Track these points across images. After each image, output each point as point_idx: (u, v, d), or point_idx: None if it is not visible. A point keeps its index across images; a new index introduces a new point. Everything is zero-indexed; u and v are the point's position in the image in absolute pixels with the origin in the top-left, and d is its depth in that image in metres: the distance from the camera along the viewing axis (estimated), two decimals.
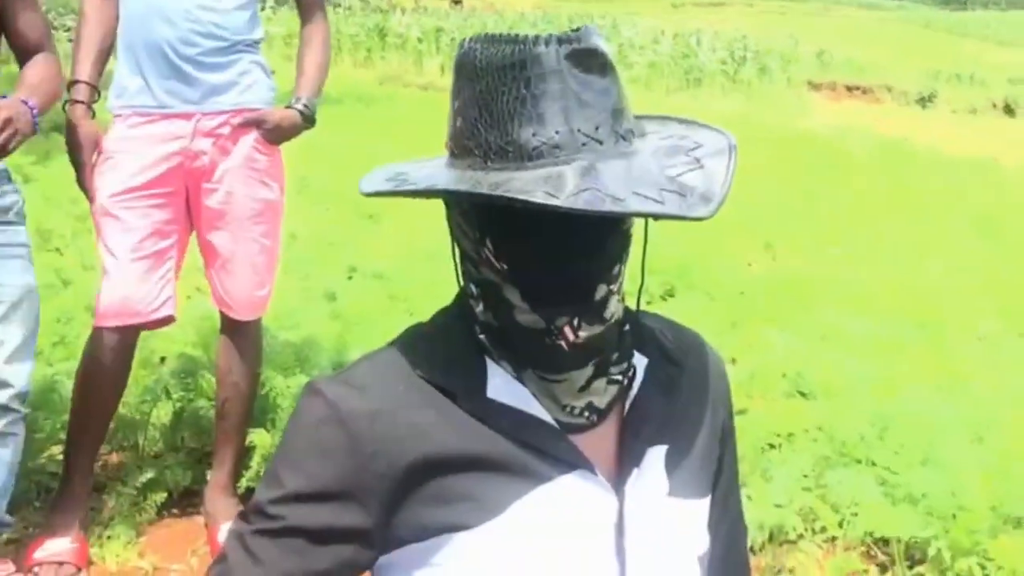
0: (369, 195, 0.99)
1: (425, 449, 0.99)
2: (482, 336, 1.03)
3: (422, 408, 1.00)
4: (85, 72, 2.46)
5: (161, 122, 2.46)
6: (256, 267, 2.61)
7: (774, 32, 22.44)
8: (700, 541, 1.10)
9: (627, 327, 1.06)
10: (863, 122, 14.89)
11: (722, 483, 1.18)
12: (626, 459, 1.04)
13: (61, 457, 2.62)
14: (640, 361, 1.09)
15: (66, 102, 2.46)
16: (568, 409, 1.02)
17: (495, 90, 0.92)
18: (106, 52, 2.51)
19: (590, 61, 0.92)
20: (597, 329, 0.99)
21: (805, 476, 2.99)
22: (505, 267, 0.97)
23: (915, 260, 6.27)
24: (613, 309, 1.01)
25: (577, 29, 0.95)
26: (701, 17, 27.64)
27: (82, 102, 2.45)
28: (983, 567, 2.59)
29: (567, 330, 0.98)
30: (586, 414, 1.03)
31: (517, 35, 0.93)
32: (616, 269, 1.00)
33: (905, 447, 3.12)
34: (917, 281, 5.68)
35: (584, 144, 0.91)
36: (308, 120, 2.63)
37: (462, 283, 1.06)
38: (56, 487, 2.61)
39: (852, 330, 4.44)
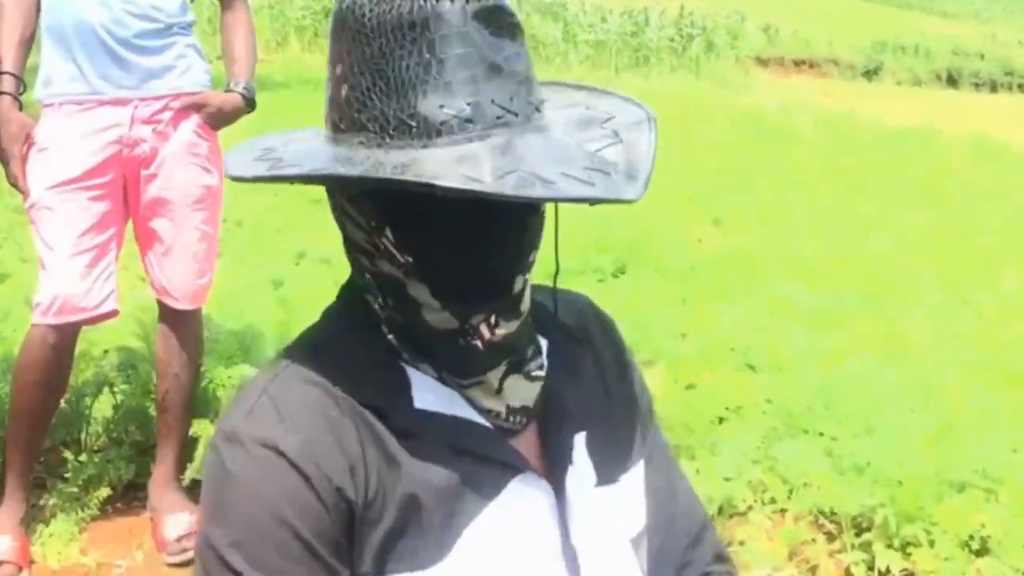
0: (237, 180, 0.86)
1: (373, 483, 0.86)
2: (391, 337, 0.91)
3: (359, 434, 0.87)
4: (9, 63, 2.39)
5: (97, 110, 2.40)
6: (197, 255, 2.57)
7: (720, 8, 22.55)
8: (633, 522, 1.02)
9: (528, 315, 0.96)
10: (810, 96, 15.05)
11: (649, 438, 1.08)
12: (557, 457, 0.95)
13: None
14: (541, 343, 0.98)
15: None
16: (494, 414, 0.92)
17: (392, 54, 0.80)
18: (28, 41, 2.44)
19: (500, 21, 0.82)
20: (514, 325, 0.90)
21: (757, 448, 3.01)
22: (409, 260, 0.85)
23: (859, 231, 6.36)
24: (527, 300, 0.91)
25: None
26: None
27: (9, 94, 2.38)
28: (928, 532, 2.63)
29: (483, 328, 0.88)
30: (513, 418, 0.93)
31: None
32: (532, 256, 0.90)
33: (850, 417, 3.17)
34: (861, 252, 5.77)
35: (499, 118, 0.80)
36: (249, 103, 2.59)
37: (355, 277, 0.93)
38: None
39: (799, 302, 4.49)
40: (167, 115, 2.45)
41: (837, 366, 3.62)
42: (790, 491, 2.86)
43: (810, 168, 8.59)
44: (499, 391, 0.91)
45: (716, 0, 23.56)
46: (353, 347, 0.91)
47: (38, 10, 2.41)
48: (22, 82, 2.41)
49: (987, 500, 2.73)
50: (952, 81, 20.74)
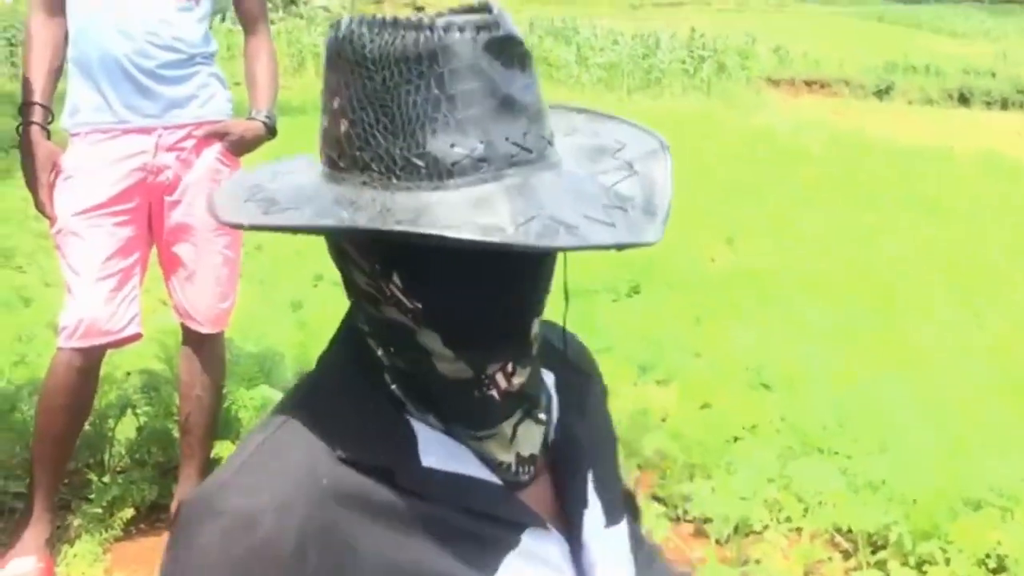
0: (232, 226, 0.80)
1: (374, 560, 0.79)
2: (394, 387, 0.84)
3: (356, 503, 0.80)
4: (38, 93, 2.45)
5: (122, 138, 2.45)
6: (219, 279, 2.61)
7: (731, 30, 22.63)
8: (630, 563, 0.98)
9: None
10: (821, 116, 15.06)
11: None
12: (574, 502, 0.91)
13: (24, 477, 2.61)
14: (547, 378, 0.93)
15: (20, 125, 2.45)
16: (504, 467, 0.86)
17: (396, 88, 0.73)
18: (56, 71, 2.50)
19: (511, 52, 0.75)
20: (529, 370, 0.84)
21: (772, 467, 3.03)
22: (420, 307, 0.79)
23: (871, 247, 6.37)
24: (538, 341, 0.86)
25: (482, 7, 0.77)
26: (659, 17, 27.84)
27: (37, 123, 2.44)
28: (944, 550, 2.64)
29: (499, 377, 0.82)
30: (523, 468, 0.87)
31: (420, 19, 0.74)
32: (546, 296, 0.84)
33: (865, 435, 3.18)
34: (873, 268, 5.78)
35: (513, 156, 0.74)
36: (270, 131, 2.65)
37: (356, 321, 0.86)
38: (20, 507, 2.59)
39: (812, 320, 4.51)
40: (190, 143, 2.51)
41: (851, 384, 3.63)
42: (805, 509, 2.88)
43: (822, 186, 8.61)
44: (512, 439, 0.86)
45: (726, 22, 23.66)
46: (355, 400, 0.84)
47: (66, 42, 2.48)
48: (50, 112, 2.47)
49: (1003, 518, 2.73)
50: (963, 100, 20.71)
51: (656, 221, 0.76)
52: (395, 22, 0.74)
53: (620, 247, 0.73)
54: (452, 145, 0.73)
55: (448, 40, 0.73)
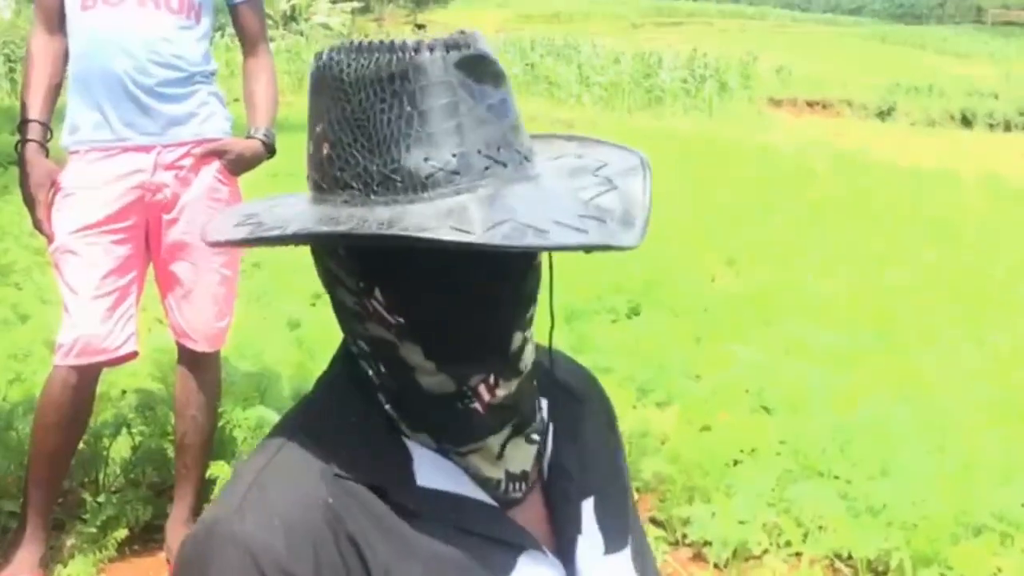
0: (216, 245, 0.84)
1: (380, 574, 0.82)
2: (388, 407, 0.86)
3: (361, 521, 0.82)
4: (36, 110, 2.45)
5: (120, 156, 2.45)
6: (216, 298, 2.60)
7: (733, 49, 22.73)
8: None
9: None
10: (823, 136, 15.10)
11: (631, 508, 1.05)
12: (565, 528, 0.91)
13: (19, 495, 2.59)
14: (542, 404, 0.94)
15: (18, 142, 2.45)
16: (494, 483, 0.87)
17: (372, 108, 0.77)
18: (56, 89, 2.50)
19: (483, 69, 0.79)
20: (514, 384, 0.85)
21: (772, 491, 3.00)
22: (401, 321, 0.81)
23: (874, 269, 6.35)
24: (527, 358, 0.87)
25: (461, 33, 0.81)
26: (661, 37, 27.99)
27: (35, 141, 2.44)
28: (944, 575, 2.62)
29: (482, 390, 0.83)
30: (513, 485, 0.88)
31: (392, 41, 0.77)
32: (531, 311, 0.86)
33: (866, 459, 3.16)
34: (876, 290, 5.76)
35: (487, 168, 0.77)
36: (269, 149, 2.64)
37: (349, 344, 0.89)
38: (14, 526, 2.57)
39: (814, 342, 4.48)
40: (189, 161, 2.50)
41: (852, 407, 3.61)
42: (805, 534, 2.85)
43: (824, 208, 8.61)
44: (500, 456, 0.87)
45: (728, 42, 23.76)
46: (351, 422, 0.86)
47: (66, 59, 2.48)
48: (48, 129, 2.47)
49: (1004, 543, 2.71)
50: (966, 121, 20.78)
51: (633, 230, 0.78)
52: (370, 46, 0.78)
53: (590, 249, 0.75)
54: (426, 159, 0.76)
55: (419, 59, 0.76)
